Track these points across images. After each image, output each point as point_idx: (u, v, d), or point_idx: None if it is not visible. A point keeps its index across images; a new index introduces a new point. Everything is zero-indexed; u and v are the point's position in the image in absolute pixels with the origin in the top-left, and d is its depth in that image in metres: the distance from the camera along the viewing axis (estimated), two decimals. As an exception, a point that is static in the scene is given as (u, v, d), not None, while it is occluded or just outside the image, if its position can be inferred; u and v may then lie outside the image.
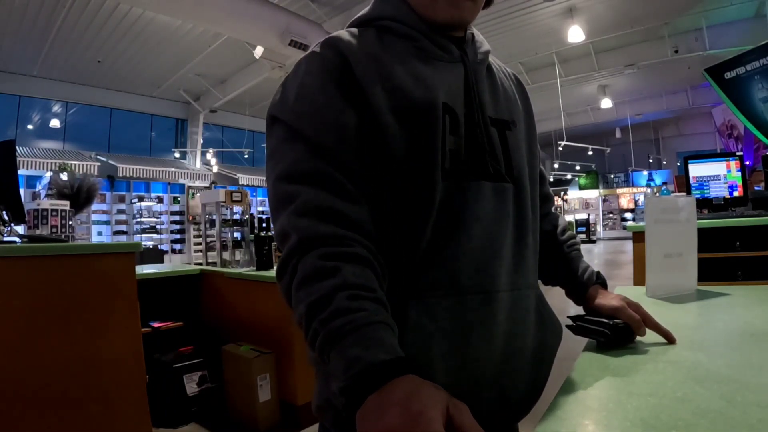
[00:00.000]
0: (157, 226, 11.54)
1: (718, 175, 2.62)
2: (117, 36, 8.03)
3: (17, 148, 7.04)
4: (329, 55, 0.60)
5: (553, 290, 0.82)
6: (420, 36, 0.64)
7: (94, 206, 9.81)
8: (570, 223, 16.80)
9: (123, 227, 11.01)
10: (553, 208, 0.86)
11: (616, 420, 0.43)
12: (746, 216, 2.35)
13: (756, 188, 2.99)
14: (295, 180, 0.56)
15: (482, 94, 0.66)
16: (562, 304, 0.89)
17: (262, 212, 12.02)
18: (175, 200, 12.00)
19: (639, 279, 2.48)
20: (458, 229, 0.59)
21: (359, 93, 0.58)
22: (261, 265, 2.72)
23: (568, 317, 0.74)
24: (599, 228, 18.96)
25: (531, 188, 0.69)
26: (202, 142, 12.42)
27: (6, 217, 2.11)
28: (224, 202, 4.50)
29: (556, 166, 17.74)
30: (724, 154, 2.90)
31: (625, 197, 18.81)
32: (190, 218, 11.64)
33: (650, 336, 0.68)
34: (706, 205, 2.63)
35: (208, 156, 12.06)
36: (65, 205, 2.68)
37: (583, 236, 17.27)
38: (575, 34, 7.39)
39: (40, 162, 9.27)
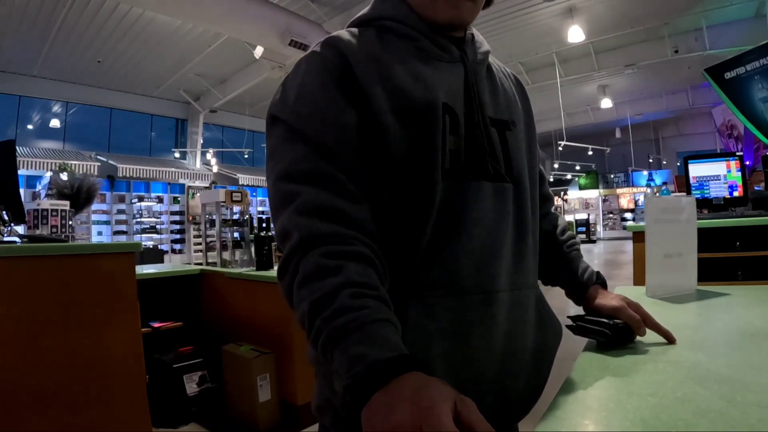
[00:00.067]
0: (157, 226, 11.54)
1: (718, 175, 2.62)
2: (117, 36, 8.03)
3: (17, 148, 7.04)
4: (329, 54, 0.60)
5: (553, 290, 0.82)
6: (420, 36, 0.64)
7: (94, 206, 9.81)
8: (570, 223, 16.81)
9: (123, 227, 11.01)
10: (552, 208, 0.86)
11: (616, 420, 0.43)
12: (746, 216, 2.35)
13: (756, 188, 2.99)
14: (295, 179, 0.56)
15: (482, 95, 0.66)
16: (562, 304, 0.89)
17: (262, 212, 12.03)
18: (175, 200, 12.00)
19: (639, 279, 2.48)
20: (458, 229, 0.59)
21: (359, 93, 0.58)
22: (261, 265, 2.72)
23: (568, 317, 0.74)
24: (599, 228, 18.96)
25: (531, 188, 0.69)
26: (202, 142, 12.42)
27: (6, 217, 2.11)
28: (224, 202, 4.50)
29: (556, 166, 17.74)
30: (724, 154, 2.90)
31: (625, 197, 18.81)
32: (190, 218, 11.64)
33: (650, 336, 0.68)
34: (706, 205, 2.63)
35: (208, 156, 12.06)
36: (65, 205, 2.68)
37: (583, 236, 17.27)
38: (575, 34, 7.39)
39: (40, 162, 9.27)
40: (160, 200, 11.68)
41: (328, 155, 0.56)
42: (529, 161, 0.70)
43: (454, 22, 0.64)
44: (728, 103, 7.09)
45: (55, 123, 10.21)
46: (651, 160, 18.41)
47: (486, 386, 0.60)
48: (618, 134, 16.16)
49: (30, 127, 10.17)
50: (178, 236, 11.93)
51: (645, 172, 18.23)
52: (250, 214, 4.27)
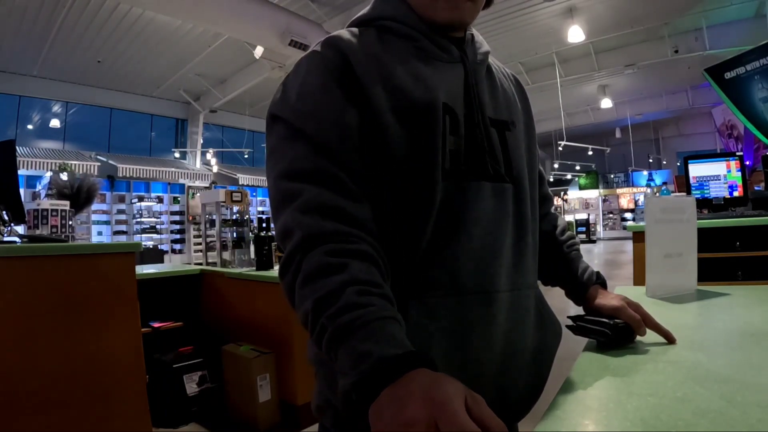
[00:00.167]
0: (157, 226, 11.54)
1: (718, 175, 2.62)
2: (117, 36, 8.03)
3: (17, 148, 7.04)
4: (330, 54, 0.60)
5: (553, 290, 0.82)
6: (420, 36, 0.64)
7: (94, 206, 9.81)
8: (570, 223, 16.81)
9: (123, 227, 11.01)
10: (552, 209, 0.86)
11: (616, 420, 0.43)
12: (746, 216, 2.35)
13: (756, 188, 2.99)
14: (297, 178, 0.55)
15: (482, 95, 0.66)
16: (562, 304, 0.89)
17: (262, 212, 12.03)
18: (175, 200, 12.00)
19: (639, 279, 2.48)
20: (458, 229, 0.59)
21: (360, 92, 0.58)
22: (261, 265, 2.72)
23: (568, 317, 0.74)
24: (599, 228, 18.96)
25: (530, 188, 0.69)
26: (202, 142, 12.42)
27: (6, 217, 2.11)
28: (224, 202, 4.49)
29: (556, 166, 17.74)
30: (724, 154, 2.90)
31: (625, 197, 18.81)
32: (190, 218, 11.64)
33: (650, 336, 0.68)
34: (706, 205, 2.63)
35: (208, 156, 12.06)
36: (65, 205, 2.68)
37: (583, 236, 17.28)
38: (575, 34, 7.39)
39: (40, 162, 9.27)
40: (160, 200, 11.68)
41: (330, 154, 0.56)
42: (528, 161, 0.70)
43: (454, 22, 0.64)
44: (728, 103, 7.09)
45: (55, 123, 10.21)
46: (651, 160, 18.41)
47: (486, 386, 0.60)
48: (618, 134, 16.16)
49: (30, 127, 10.17)
50: (178, 236, 11.93)
51: (645, 172, 18.23)
52: (249, 215, 4.27)
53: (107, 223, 10.83)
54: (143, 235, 11.05)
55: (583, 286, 0.77)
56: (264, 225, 2.86)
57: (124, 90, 10.84)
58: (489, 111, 0.66)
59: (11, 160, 2.15)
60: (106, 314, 1.87)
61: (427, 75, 0.62)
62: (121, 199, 11.14)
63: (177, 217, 11.96)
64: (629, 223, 4.30)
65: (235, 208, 4.30)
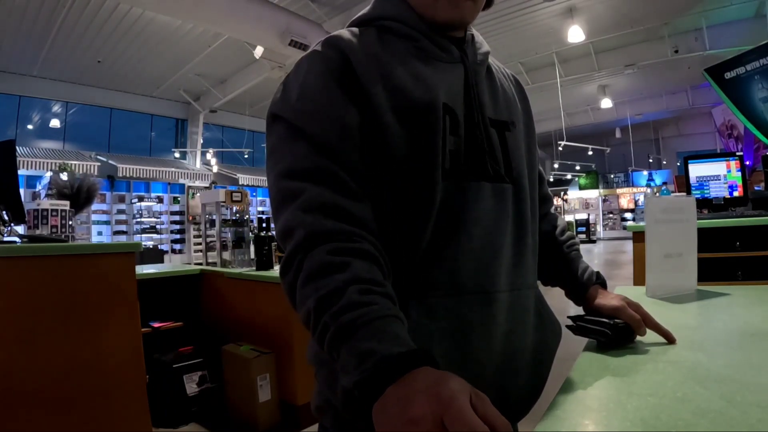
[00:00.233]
0: (157, 226, 11.54)
1: (718, 175, 2.62)
2: (117, 36, 8.03)
3: (17, 148, 7.04)
4: (331, 54, 0.60)
5: (553, 290, 0.82)
6: (420, 36, 0.64)
7: (94, 206, 9.81)
8: (570, 223, 16.81)
9: (123, 227, 11.01)
10: (552, 209, 0.86)
11: (616, 420, 0.43)
12: (746, 216, 2.35)
13: (756, 188, 2.99)
14: (298, 177, 0.55)
15: (482, 95, 0.66)
16: (562, 304, 0.89)
17: (262, 212, 12.03)
18: (175, 200, 12.00)
19: (639, 279, 2.48)
20: (458, 230, 0.59)
21: (360, 92, 0.58)
22: (261, 265, 2.72)
23: (568, 317, 0.74)
24: (599, 228, 18.96)
25: (530, 189, 0.69)
26: (202, 142, 12.42)
27: (6, 217, 2.11)
28: (224, 202, 4.50)
29: (556, 166, 17.74)
30: (724, 154, 2.90)
31: (625, 197, 18.81)
32: (190, 218, 11.64)
33: (650, 336, 0.68)
34: (706, 205, 2.63)
35: (208, 156, 12.06)
36: (65, 205, 2.68)
37: (583, 236, 17.27)
38: (575, 34, 7.39)
39: (40, 162, 9.27)
40: (160, 200, 11.68)
41: (330, 153, 0.56)
42: (528, 162, 0.70)
43: (455, 21, 0.64)
44: (728, 103, 7.09)
45: (55, 123, 10.21)
46: (651, 160, 18.41)
47: (486, 386, 0.60)
48: (618, 134, 16.16)
49: (30, 127, 10.17)
50: (178, 236, 11.93)
51: (645, 172, 18.23)
52: (249, 215, 4.27)
53: (107, 223, 10.83)
54: (143, 235, 11.05)
55: (583, 286, 0.77)
56: (264, 225, 2.86)
57: (124, 90, 10.84)
58: (489, 111, 0.66)
59: (11, 160, 2.15)
60: (106, 314, 1.87)
61: (427, 75, 0.62)
62: (121, 199, 11.14)
63: (177, 217, 11.96)
64: (629, 223, 4.30)
65: (235, 208, 4.29)
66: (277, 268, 2.71)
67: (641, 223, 2.37)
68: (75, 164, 9.44)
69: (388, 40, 0.64)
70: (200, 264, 4.79)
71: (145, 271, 2.75)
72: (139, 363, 1.97)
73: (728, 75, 6.86)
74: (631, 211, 18.43)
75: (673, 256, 1.08)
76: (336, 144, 0.56)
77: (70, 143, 10.71)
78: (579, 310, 0.77)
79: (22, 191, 2.75)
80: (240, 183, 12.36)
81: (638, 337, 0.69)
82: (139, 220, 11.16)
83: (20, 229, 2.37)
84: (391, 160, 0.58)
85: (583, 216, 18.24)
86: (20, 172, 7.18)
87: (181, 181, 11.88)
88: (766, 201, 2.48)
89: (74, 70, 9.51)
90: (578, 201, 19.53)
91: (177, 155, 12.44)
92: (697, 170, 2.68)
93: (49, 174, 6.77)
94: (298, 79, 0.61)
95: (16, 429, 1.62)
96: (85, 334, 1.80)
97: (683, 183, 2.98)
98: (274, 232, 1.77)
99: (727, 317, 0.88)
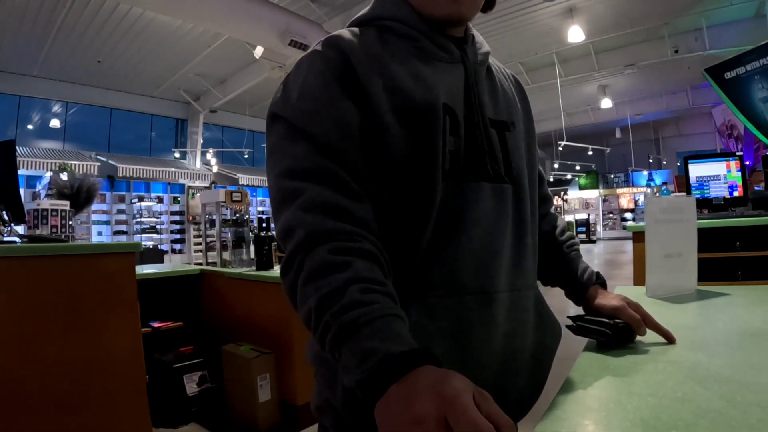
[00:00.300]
0: (157, 226, 11.54)
1: (718, 175, 2.62)
2: (117, 36, 8.02)
3: (17, 148, 7.04)
4: (331, 53, 0.60)
5: (553, 290, 0.82)
6: (420, 36, 0.64)
7: (94, 206, 9.81)
8: (570, 223, 16.81)
9: (123, 227, 11.00)
10: (552, 209, 0.86)
11: (616, 420, 0.43)
12: (746, 216, 2.35)
13: (756, 188, 2.99)
14: (298, 176, 0.55)
15: (482, 95, 0.66)
16: (562, 304, 0.89)
17: (262, 212, 12.03)
18: (175, 200, 12.00)
19: (639, 279, 2.48)
20: (458, 230, 0.59)
21: (360, 92, 0.58)
22: (261, 265, 2.72)
23: (568, 317, 0.74)
24: (599, 228, 18.95)
25: (530, 189, 0.69)
26: (202, 142, 12.42)
27: (6, 217, 2.11)
28: (224, 202, 4.49)
29: (556, 166, 17.73)
30: (724, 154, 2.90)
31: (625, 197, 18.81)
32: (190, 218, 11.64)
33: (650, 336, 0.68)
34: (706, 205, 2.63)
35: (208, 156, 12.05)
36: (65, 205, 2.68)
37: (583, 236, 17.27)
38: (575, 34, 7.39)
39: (40, 162, 9.27)
40: (160, 200, 11.67)
41: (331, 153, 0.56)
42: (528, 162, 0.70)
43: (453, 16, 0.64)
44: (728, 103, 7.09)
45: (55, 123, 10.21)
46: (651, 160, 18.40)
47: (485, 386, 0.60)
48: (618, 134, 16.15)
49: (30, 127, 10.16)
50: (178, 236, 11.92)
51: (645, 172, 18.22)
52: (249, 215, 4.27)
53: (107, 223, 10.83)
54: (143, 235, 11.05)
55: (583, 286, 0.77)
56: (264, 225, 2.86)
57: (124, 90, 10.83)
58: (489, 111, 0.66)
59: (11, 160, 2.15)
60: (106, 314, 1.87)
61: (427, 75, 0.62)
62: (121, 199, 11.14)
63: (177, 217, 11.95)
64: (629, 223, 4.30)
65: (235, 208, 4.29)
66: (277, 268, 2.71)
67: (641, 223, 2.37)
68: (75, 164, 9.44)
69: (388, 40, 0.64)
70: (200, 264, 4.78)
71: (145, 271, 2.75)
72: (139, 363, 1.97)
73: (728, 75, 6.86)
74: (631, 211, 18.42)
75: (673, 256, 1.08)
76: (336, 144, 0.56)
77: (70, 143, 10.71)
78: (579, 310, 0.77)
79: (22, 191, 2.75)
80: (240, 183, 12.36)
81: (638, 337, 0.69)
82: (139, 220, 11.16)
83: (20, 229, 2.37)
84: (391, 161, 0.58)
85: (583, 216, 18.23)
86: (20, 172, 7.18)
87: (181, 181, 11.88)
88: (766, 201, 2.48)
89: (74, 70, 9.50)
90: (578, 201, 19.52)
91: (177, 155, 12.44)
92: (697, 170, 2.68)
93: (49, 174, 6.77)
94: (298, 78, 0.61)
95: (17, 429, 1.62)
96: (86, 334, 1.80)
97: (683, 183, 2.98)
98: (274, 232, 1.77)
99: (727, 317, 0.88)
